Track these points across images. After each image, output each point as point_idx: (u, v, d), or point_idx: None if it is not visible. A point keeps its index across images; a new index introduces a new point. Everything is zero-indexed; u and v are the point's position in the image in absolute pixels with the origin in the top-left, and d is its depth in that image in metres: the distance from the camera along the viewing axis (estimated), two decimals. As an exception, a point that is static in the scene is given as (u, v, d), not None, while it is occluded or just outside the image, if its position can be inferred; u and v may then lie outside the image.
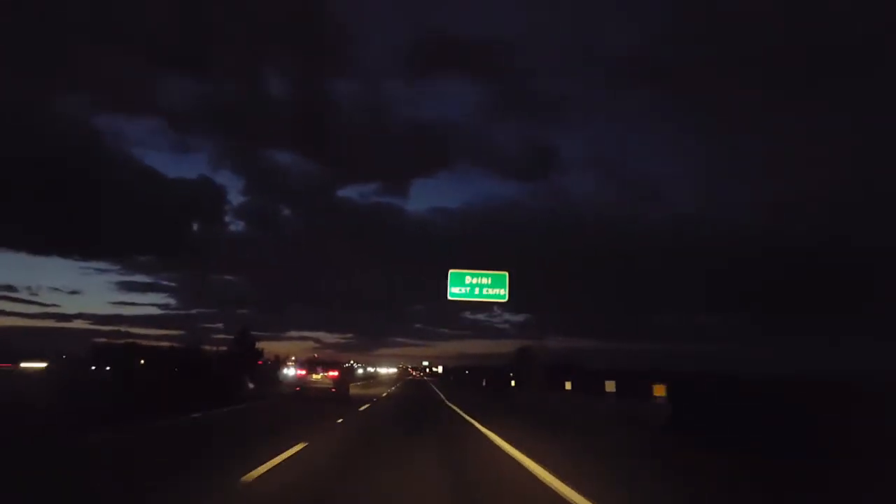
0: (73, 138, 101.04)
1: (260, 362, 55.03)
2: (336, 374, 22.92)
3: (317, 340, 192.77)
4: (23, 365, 40.90)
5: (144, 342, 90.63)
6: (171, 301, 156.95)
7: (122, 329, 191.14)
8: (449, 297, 21.59)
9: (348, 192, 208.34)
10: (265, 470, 6.61)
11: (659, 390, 16.85)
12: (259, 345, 59.89)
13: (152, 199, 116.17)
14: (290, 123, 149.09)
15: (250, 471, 6.42)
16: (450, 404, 22.93)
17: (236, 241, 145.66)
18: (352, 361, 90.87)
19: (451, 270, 21.72)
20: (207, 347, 58.88)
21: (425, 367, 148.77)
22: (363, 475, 6.81)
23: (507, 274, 21.84)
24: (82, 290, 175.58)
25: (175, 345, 64.15)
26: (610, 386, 22.41)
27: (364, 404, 20.36)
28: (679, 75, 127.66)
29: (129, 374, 37.25)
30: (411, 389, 42.68)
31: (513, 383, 40.02)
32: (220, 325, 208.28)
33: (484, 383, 50.66)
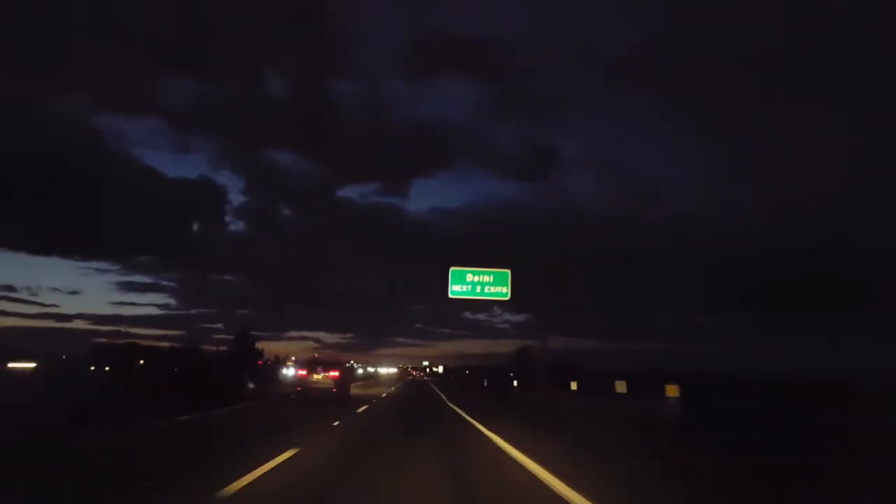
0: (73, 138, 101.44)
1: (260, 362, 55.13)
2: (337, 374, 22.83)
3: (317, 340, 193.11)
4: (10, 365, 40.12)
5: (144, 342, 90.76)
6: (171, 301, 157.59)
7: (122, 329, 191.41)
8: (450, 296, 21.06)
9: (348, 192, 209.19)
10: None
11: (671, 390, 16.49)
12: (259, 345, 60.17)
13: (152, 199, 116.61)
14: (290, 123, 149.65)
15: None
16: (450, 404, 22.88)
17: (236, 241, 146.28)
18: (352, 361, 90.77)
19: (452, 268, 21.16)
20: (207, 347, 59.17)
21: (425, 367, 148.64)
22: (363, 475, 6.82)
23: (509, 272, 21.23)
24: (82, 290, 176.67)
25: (175, 345, 64.21)
26: (621, 386, 21.79)
27: (364, 404, 20.33)
28: (679, 75, 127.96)
29: (129, 375, 37.15)
30: (411, 389, 42.63)
31: (514, 383, 39.99)
32: (220, 325, 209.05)
33: (485, 383, 50.62)
